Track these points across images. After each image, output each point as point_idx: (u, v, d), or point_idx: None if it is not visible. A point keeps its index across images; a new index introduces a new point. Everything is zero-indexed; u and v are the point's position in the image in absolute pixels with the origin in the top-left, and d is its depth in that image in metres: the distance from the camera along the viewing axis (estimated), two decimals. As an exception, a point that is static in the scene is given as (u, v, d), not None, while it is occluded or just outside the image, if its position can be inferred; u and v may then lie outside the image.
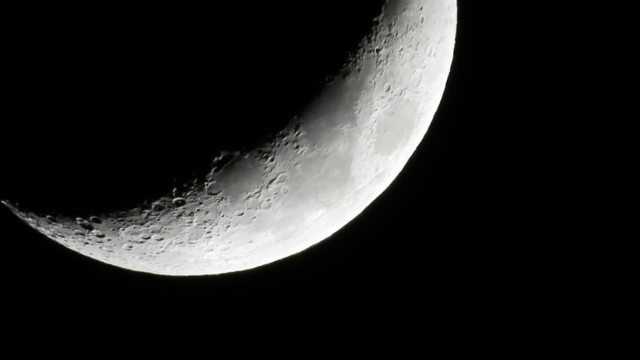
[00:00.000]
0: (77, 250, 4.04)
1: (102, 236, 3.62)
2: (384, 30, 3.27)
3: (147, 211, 3.37)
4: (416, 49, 3.48)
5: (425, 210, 6.40)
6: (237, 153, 3.17)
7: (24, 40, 2.95)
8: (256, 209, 3.44)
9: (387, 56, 3.32)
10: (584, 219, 6.29)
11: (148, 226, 3.48)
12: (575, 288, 6.32)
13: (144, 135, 3.03)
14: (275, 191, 3.39)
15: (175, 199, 3.31)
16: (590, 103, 6.17)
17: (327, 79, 3.15)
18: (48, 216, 3.59)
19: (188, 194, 3.29)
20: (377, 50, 3.27)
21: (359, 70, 3.23)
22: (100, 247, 3.79)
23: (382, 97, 3.39)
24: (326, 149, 3.36)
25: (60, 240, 3.97)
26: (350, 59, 3.18)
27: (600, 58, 6.09)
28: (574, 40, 6.11)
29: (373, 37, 3.23)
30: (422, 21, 3.48)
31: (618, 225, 6.24)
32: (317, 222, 3.77)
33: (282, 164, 3.30)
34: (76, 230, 3.64)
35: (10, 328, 6.13)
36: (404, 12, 3.35)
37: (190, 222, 3.45)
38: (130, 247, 3.68)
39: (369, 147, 3.53)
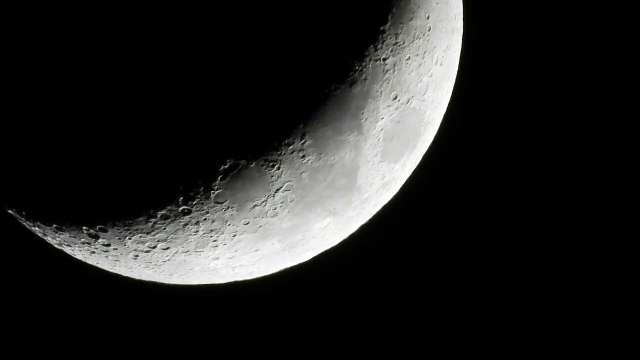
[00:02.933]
0: (83, 259, 4.04)
1: (109, 245, 3.62)
2: (390, 39, 3.27)
3: (153, 220, 3.37)
4: (423, 58, 3.48)
5: (432, 218, 6.39)
6: (243, 162, 3.17)
7: (29, 47, 2.96)
8: (263, 218, 3.44)
9: (394, 65, 3.33)
10: (593, 231, 6.26)
11: (154, 235, 3.48)
12: (585, 296, 6.29)
13: (150, 144, 3.03)
14: (281, 200, 3.39)
15: (182, 208, 3.31)
16: (599, 112, 6.16)
17: (333, 88, 3.15)
18: (55, 226, 3.60)
19: (194, 203, 3.29)
20: (384, 60, 3.27)
21: (365, 79, 3.23)
22: (106, 257, 3.79)
23: (389, 106, 3.39)
24: (333, 158, 3.35)
25: (67, 250, 3.97)
26: (357, 68, 3.18)
27: (610, 70, 6.08)
28: (581, 47, 6.10)
29: (380, 46, 3.24)
30: (429, 30, 3.48)
31: (627, 235, 6.21)
32: (323, 231, 3.76)
33: (289, 173, 3.29)
34: (83, 240, 3.64)
35: (17, 337, 6.13)
36: (411, 22, 3.36)
37: (197, 231, 3.45)
38: (137, 256, 3.68)
39: (376, 156, 3.52)
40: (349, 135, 3.32)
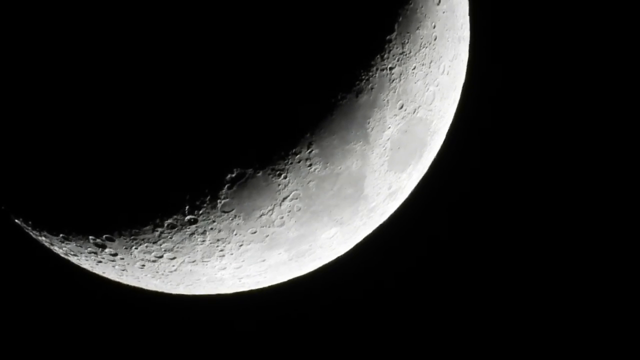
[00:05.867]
0: (90, 269, 4.04)
1: (115, 255, 3.62)
2: (397, 48, 3.27)
3: (159, 229, 3.37)
4: (429, 67, 3.48)
5: (439, 228, 6.38)
6: (250, 171, 3.17)
7: (40, 54, 2.97)
8: (269, 227, 3.43)
9: (400, 74, 3.33)
10: (603, 248, 6.24)
11: (161, 245, 3.47)
12: (596, 302, 6.26)
13: (156, 153, 3.04)
14: (288, 209, 3.39)
15: (188, 217, 3.31)
16: (611, 122, 6.14)
17: (340, 97, 3.15)
18: (61, 235, 3.60)
19: (201, 212, 3.29)
20: (390, 69, 3.27)
21: (372, 88, 3.23)
22: (113, 266, 3.79)
23: (395, 115, 3.39)
24: (339, 167, 3.35)
25: (73, 259, 3.97)
26: (364, 77, 3.19)
27: (621, 81, 6.07)
28: (589, 53, 6.10)
29: (386, 56, 3.24)
30: (435, 39, 3.48)
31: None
32: (330, 240, 3.75)
33: (295, 181, 3.29)
34: (89, 249, 3.64)
35: (23, 346, 6.13)
36: (417, 31, 3.36)
37: (203, 240, 3.45)
38: (143, 265, 3.68)
39: (382, 165, 3.52)
40: (355, 144, 3.32)
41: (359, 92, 3.20)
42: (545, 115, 6.21)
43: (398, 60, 3.30)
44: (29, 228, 3.78)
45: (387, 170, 3.58)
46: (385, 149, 3.46)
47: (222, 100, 2.95)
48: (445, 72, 3.64)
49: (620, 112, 6.13)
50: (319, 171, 3.31)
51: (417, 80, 3.43)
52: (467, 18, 3.93)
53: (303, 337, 6.40)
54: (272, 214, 3.38)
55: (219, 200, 3.25)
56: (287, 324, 6.37)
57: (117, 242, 3.50)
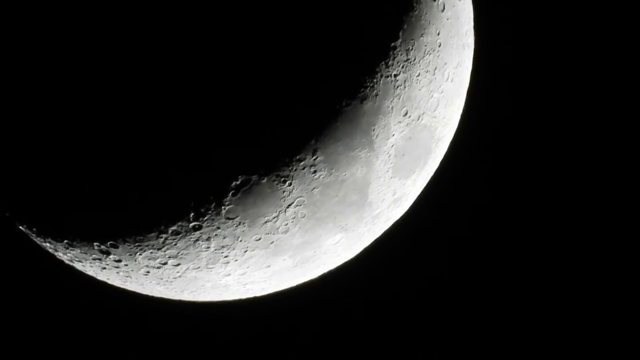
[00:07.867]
0: (94, 275, 4.04)
1: (120, 261, 3.62)
2: (401, 55, 3.28)
3: (164, 236, 3.37)
4: (434, 74, 3.48)
5: (443, 235, 6.38)
6: (254, 177, 3.17)
7: (44, 59, 2.98)
8: (274, 233, 3.43)
9: (405, 81, 3.33)
10: (609, 252, 6.22)
11: (165, 251, 3.47)
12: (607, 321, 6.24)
13: (161, 160, 3.04)
14: (293, 216, 3.39)
15: (193, 224, 3.31)
16: (614, 127, 6.14)
17: (344, 104, 3.15)
18: (65, 241, 3.60)
19: (205, 218, 3.29)
20: (395, 76, 3.27)
21: (376, 95, 3.23)
22: (117, 273, 3.79)
23: (400, 122, 3.39)
24: (344, 174, 3.35)
25: (77, 266, 3.97)
26: (368, 84, 3.19)
27: (626, 87, 6.07)
28: (593, 58, 6.09)
29: (390, 62, 3.24)
30: (439, 46, 3.48)
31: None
32: (335, 246, 3.75)
33: (300, 188, 3.29)
34: (93, 256, 3.64)
35: (29, 352, 6.13)
36: (422, 38, 3.36)
37: (208, 247, 3.45)
38: (148, 272, 3.68)
39: (387, 171, 3.52)
40: (360, 151, 3.32)
41: (364, 99, 3.20)
42: (550, 121, 6.21)
43: (402, 67, 3.30)
44: (34, 235, 3.78)
45: (391, 177, 3.58)
46: (389, 156, 3.46)
47: (227, 107, 2.96)
48: (450, 79, 3.65)
49: (625, 118, 6.13)
50: (323, 178, 3.31)
51: (422, 87, 3.44)
52: (472, 25, 3.94)
53: (307, 344, 6.39)
54: (276, 221, 3.38)
55: (223, 207, 3.25)
56: (291, 330, 6.36)
57: (121, 248, 3.50)
